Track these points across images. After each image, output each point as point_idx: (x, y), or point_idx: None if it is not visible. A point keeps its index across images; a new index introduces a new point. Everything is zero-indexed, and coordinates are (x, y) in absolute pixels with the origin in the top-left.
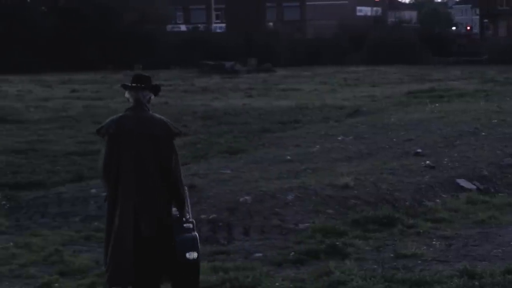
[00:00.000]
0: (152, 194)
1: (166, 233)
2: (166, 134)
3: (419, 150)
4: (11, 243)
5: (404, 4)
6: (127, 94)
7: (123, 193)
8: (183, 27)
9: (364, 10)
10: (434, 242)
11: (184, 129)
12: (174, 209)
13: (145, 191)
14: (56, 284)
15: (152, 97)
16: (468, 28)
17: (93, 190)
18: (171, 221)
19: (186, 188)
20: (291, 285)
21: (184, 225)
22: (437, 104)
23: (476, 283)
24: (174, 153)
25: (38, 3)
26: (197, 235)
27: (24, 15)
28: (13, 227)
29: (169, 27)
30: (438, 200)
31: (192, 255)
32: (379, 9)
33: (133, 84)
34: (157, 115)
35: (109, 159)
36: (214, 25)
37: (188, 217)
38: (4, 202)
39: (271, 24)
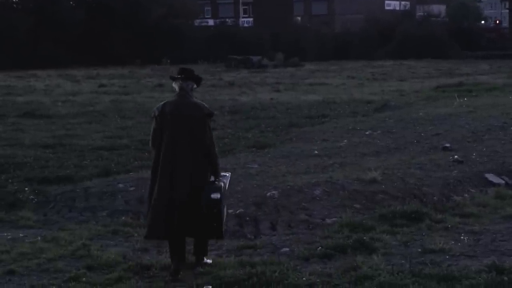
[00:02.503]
0: (188, 164)
1: (199, 195)
2: (200, 114)
3: (447, 145)
4: (39, 238)
5: None
6: (174, 84)
7: (163, 163)
8: (211, 22)
9: (393, 4)
10: (462, 237)
11: (212, 124)
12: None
13: (181, 161)
14: (84, 278)
15: (195, 86)
16: (497, 22)
17: (120, 185)
18: (205, 184)
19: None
20: (318, 280)
21: (216, 182)
22: (465, 99)
23: (505, 278)
24: (207, 130)
25: None
26: (222, 185)
27: (52, 10)
28: (41, 222)
29: (197, 22)
30: (466, 195)
31: (216, 195)
32: (408, 3)
33: (179, 76)
34: (195, 100)
35: (154, 134)
36: (241, 19)
37: (223, 181)
38: (32, 197)
39: (298, 18)
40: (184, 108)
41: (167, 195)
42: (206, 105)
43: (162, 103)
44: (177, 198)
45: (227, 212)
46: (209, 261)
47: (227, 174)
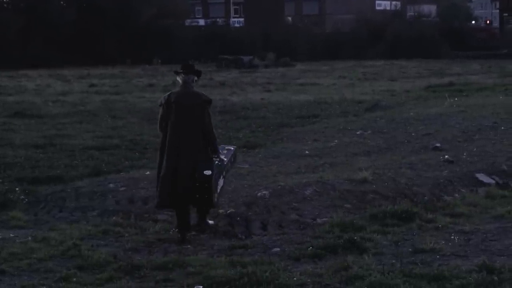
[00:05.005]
0: (190, 144)
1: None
2: (200, 102)
3: (438, 145)
4: (30, 238)
5: None
6: (177, 78)
7: (169, 144)
8: (201, 22)
9: (384, 4)
10: (452, 237)
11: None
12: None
13: (185, 142)
14: (74, 278)
15: (196, 78)
16: (488, 22)
17: (111, 185)
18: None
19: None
20: (309, 280)
21: (213, 158)
22: (456, 99)
23: (495, 278)
24: (206, 115)
25: None
26: (215, 162)
27: (43, 10)
28: (31, 222)
29: (187, 22)
30: (457, 195)
31: (208, 172)
32: (398, 3)
33: (181, 70)
34: (196, 90)
35: (161, 120)
36: (232, 19)
37: (220, 157)
38: (22, 197)
39: (289, 18)
40: (186, 97)
41: (173, 171)
42: (205, 93)
43: (168, 93)
44: (181, 173)
45: (224, 183)
46: (212, 222)
47: (232, 148)
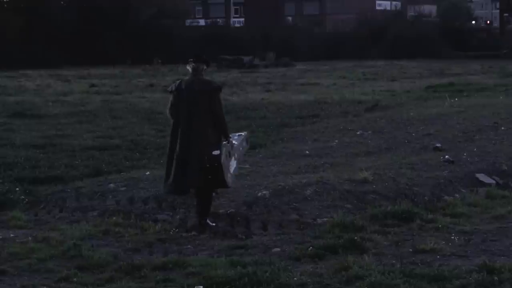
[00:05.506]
0: (201, 129)
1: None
2: (209, 88)
3: (438, 145)
4: (30, 238)
5: None
6: (187, 66)
7: (181, 129)
8: (202, 22)
9: (384, 4)
10: (453, 237)
11: None
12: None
13: (195, 127)
14: (75, 279)
15: (205, 67)
16: (488, 22)
17: (111, 185)
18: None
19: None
20: (309, 280)
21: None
22: (456, 99)
23: (495, 278)
24: (216, 100)
25: None
26: (224, 143)
27: (43, 10)
28: (31, 222)
29: (188, 22)
30: (457, 195)
31: (216, 152)
32: (399, 3)
33: (191, 59)
34: (206, 78)
35: (171, 106)
36: (232, 19)
37: (230, 140)
38: (22, 197)
39: (290, 18)
40: (196, 84)
41: (185, 156)
42: (215, 81)
43: (179, 81)
44: (192, 159)
45: (237, 165)
46: (213, 224)
47: (243, 134)
